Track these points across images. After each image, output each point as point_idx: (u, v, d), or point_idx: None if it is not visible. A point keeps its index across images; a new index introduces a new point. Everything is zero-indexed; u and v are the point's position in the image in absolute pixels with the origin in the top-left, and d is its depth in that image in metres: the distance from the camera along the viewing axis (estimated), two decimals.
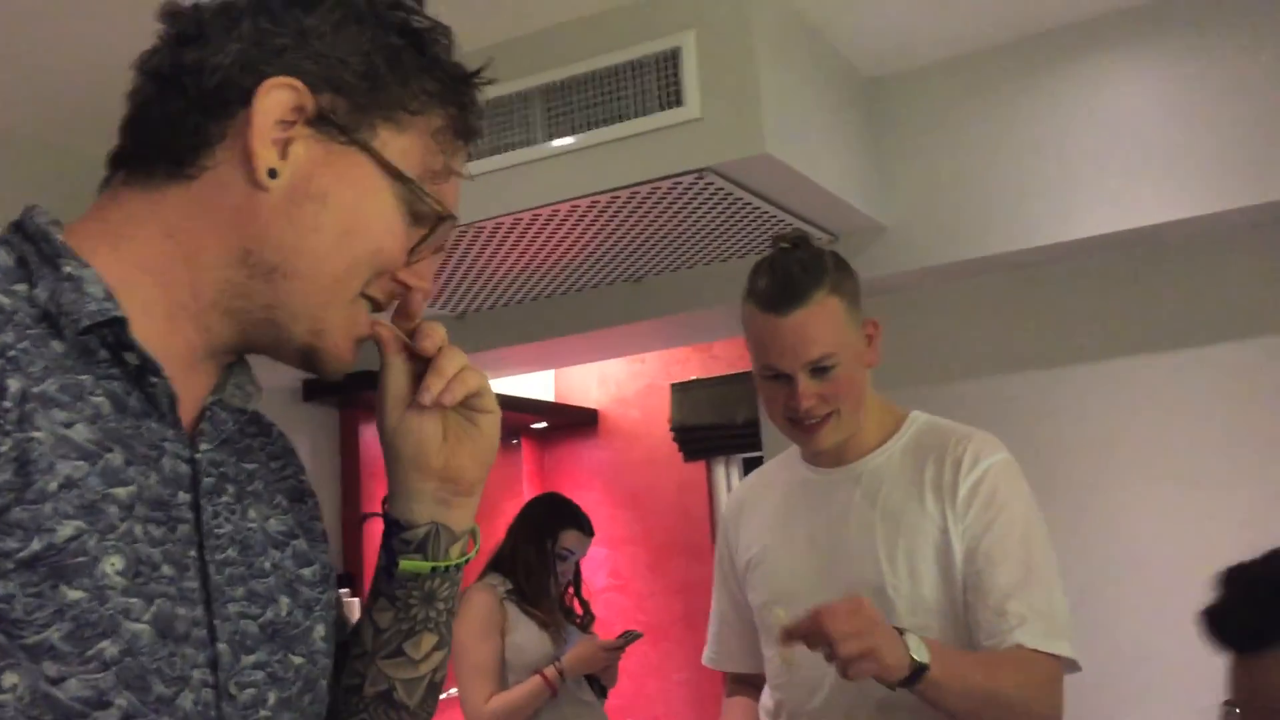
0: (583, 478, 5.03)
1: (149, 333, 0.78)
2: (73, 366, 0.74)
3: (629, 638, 2.97)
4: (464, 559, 0.99)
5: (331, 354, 0.87)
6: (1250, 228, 2.85)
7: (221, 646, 0.79)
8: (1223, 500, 2.81)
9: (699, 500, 4.79)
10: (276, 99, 0.80)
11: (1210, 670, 1.11)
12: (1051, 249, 2.96)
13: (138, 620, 0.72)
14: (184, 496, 0.80)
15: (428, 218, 0.88)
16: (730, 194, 2.64)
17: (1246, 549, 1.04)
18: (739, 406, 4.47)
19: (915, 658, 1.43)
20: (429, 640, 0.98)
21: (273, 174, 0.81)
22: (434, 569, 0.96)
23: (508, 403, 4.68)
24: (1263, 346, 2.87)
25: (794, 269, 1.66)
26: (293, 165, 0.81)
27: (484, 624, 2.84)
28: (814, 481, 1.76)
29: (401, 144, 0.86)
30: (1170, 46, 2.81)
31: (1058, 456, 3.00)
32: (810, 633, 1.40)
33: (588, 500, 4.95)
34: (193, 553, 0.79)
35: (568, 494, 3.64)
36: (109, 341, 0.77)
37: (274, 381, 3.35)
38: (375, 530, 4.01)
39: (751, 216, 2.83)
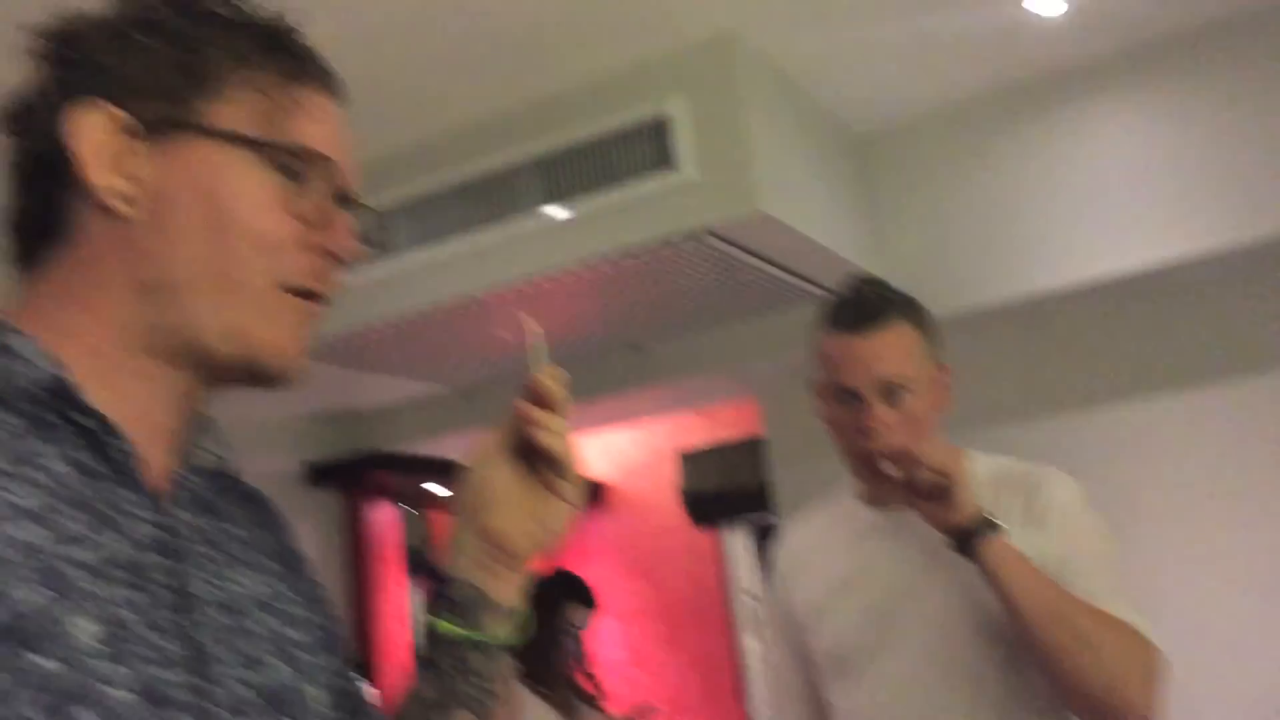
0: (593, 550, 4.96)
1: (100, 400, 0.77)
2: (26, 438, 0.73)
3: (644, 713, 2.90)
4: (503, 640, 0.92)
5: (269, 357, 0.81)
6: (1250, 264, 2.84)
7: (210, 708, 0.75)
8: (1245, 537, 2.75)
9: (712, 569, 4.72)
10: (86, 125, 0.78)
11: (1234, 705, 1.06)
12: (1049, 295, 2.94)
13: (117, 687, 0.69)
14: (155, 559, 0.77)
15: (298, 167, 0.82)
16: (727, 255, 2.63)
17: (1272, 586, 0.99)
18: (748, 471, 4.42)
19: (988, 517, 1.49)
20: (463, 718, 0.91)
21: (125, 200, 0.78)
22: (466, 638, 0.91)
23: None
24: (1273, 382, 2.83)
25: (872, 296, 1.70)
26: (140, 183, 0.78)
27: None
28: (881, 524, 1.70)
29: (231, 110, 0.80)
30: (1155, 89, 2.82)
31: None
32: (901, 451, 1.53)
33: (599, 573, 4.87)
34: (171, 615, 0.76)
35: (578, 568, 3.57)
36: (62, 409, 0.75)
37: (273, 466, 3.32)
38: (391, 616, 3.93)
39: (750, 277, 2.81)
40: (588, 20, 2.40)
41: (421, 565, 4.09)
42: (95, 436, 0.76)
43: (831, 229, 2.79)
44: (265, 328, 0.80)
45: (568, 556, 4.93)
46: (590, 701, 3.03)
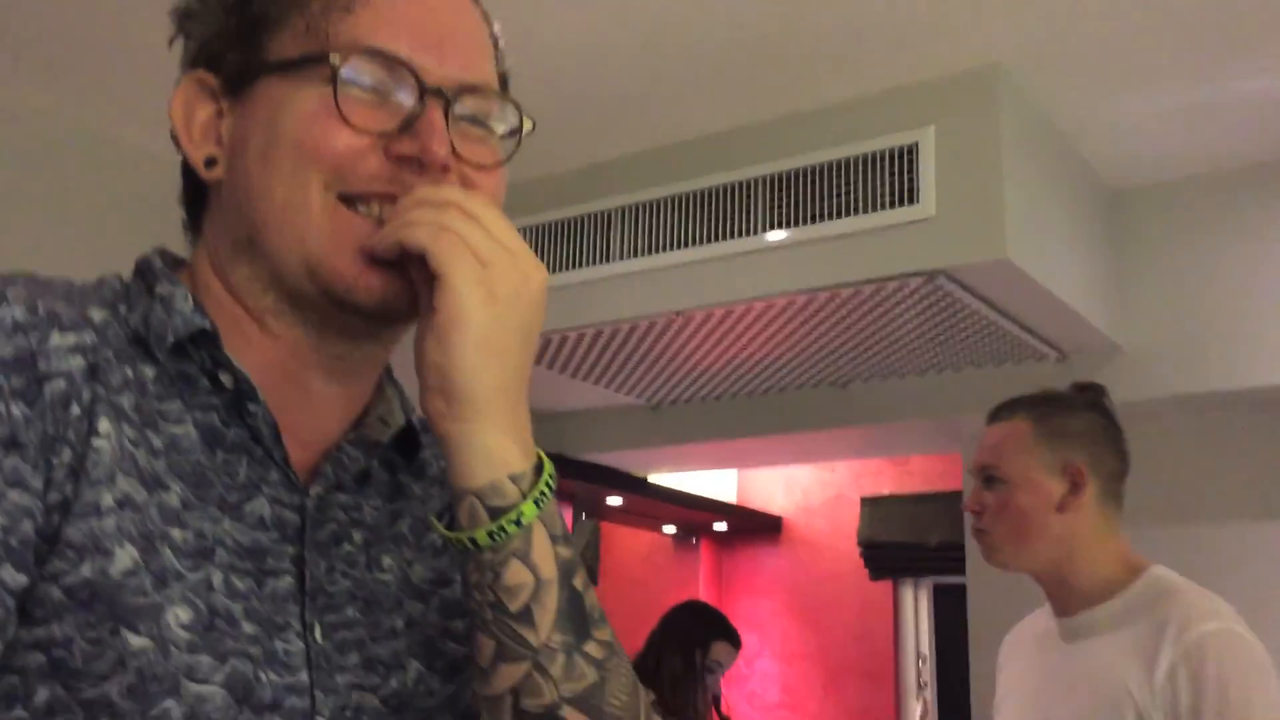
0: (761, 585, 4.83)
1: (247, 362, 0.71)
2: (160, 393, 0.69)
3: None
4: (474, 535, 0.68)
5: (338, 281, 0.71)
6: None
7: (310, 712, 0.68)
8: None
9: (883, 622, 4.53)
10: (175, 102, 0.76)
11: None
12: None
13: (205, 681, 0.63)
14: (276, 543, 0.70)
15: (358, 74, 0.71)
16: (958, 300, 2.47)
17: None
18: (933, 527, 4.23)
19: None
20: (486, 646, 0.69)
21: (210, 163, 0.75)
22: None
23: (689, 500, 4.53)
24: None
25: (1031, 394, 1.81)
26: (227, 141, 0.75)
27: None
28: (1050, 631, 1.74)
29: (284, 40, 0.73)
30: None
31: None
32: None
33: (765, 610, 4.74)
34: (294, 608, 0.69)
35: (745, 601, 3.47)
36: (206, 366, 0.71)
37: None
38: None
39: (976, 326, 2.65)
40: (843, 41, 2.29)
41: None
42: (234, 398, 0.71)
43: (1073, 285, 2.60)
44: (331, 253, 0.71)
45: (734, 589, 4.82)
46: None
